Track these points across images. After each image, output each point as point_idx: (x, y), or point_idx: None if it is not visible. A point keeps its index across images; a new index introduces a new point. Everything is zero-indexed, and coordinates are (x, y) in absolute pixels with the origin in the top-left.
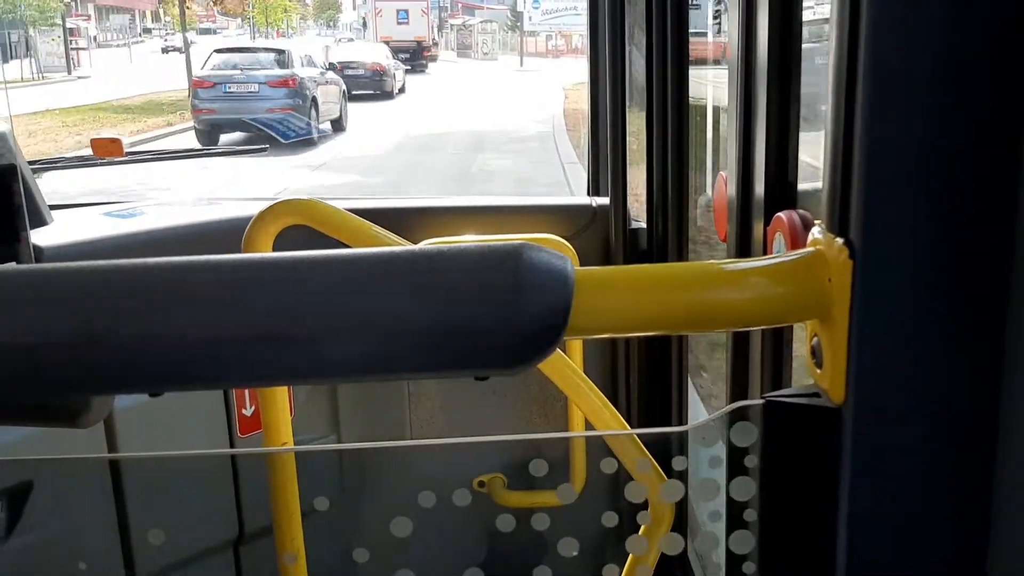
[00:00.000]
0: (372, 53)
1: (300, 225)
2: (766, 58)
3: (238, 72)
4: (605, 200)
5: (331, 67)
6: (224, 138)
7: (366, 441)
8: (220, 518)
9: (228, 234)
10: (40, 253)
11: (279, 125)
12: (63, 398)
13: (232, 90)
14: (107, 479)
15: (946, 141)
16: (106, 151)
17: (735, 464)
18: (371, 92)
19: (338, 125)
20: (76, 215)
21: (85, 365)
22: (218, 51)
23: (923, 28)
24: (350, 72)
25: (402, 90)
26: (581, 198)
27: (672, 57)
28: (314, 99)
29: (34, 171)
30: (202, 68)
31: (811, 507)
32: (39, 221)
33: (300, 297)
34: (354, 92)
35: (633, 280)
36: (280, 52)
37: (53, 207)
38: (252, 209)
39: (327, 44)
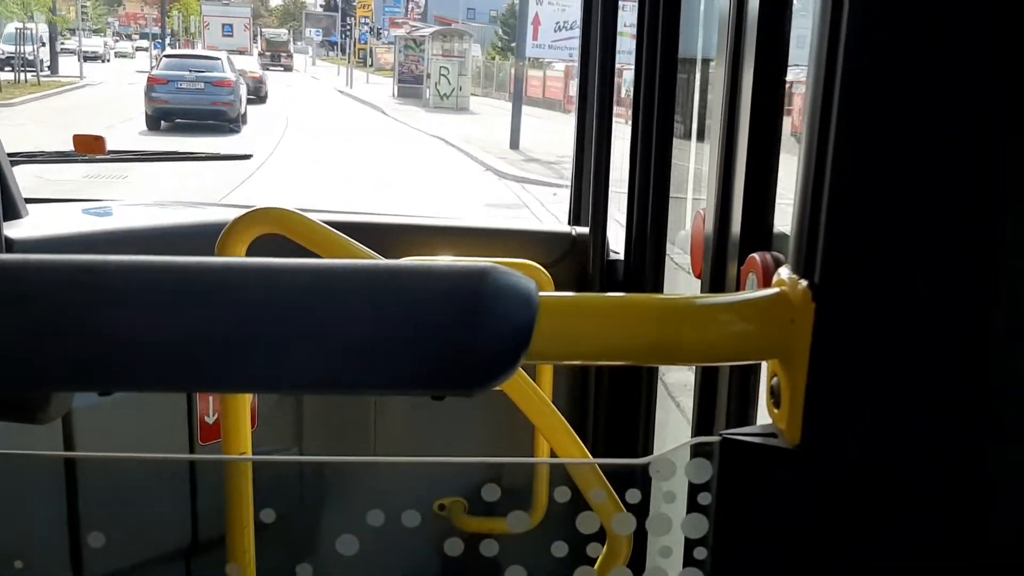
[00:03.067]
0: (251, 63)
1: (275, 234)
2: (750, 100)
3: (188, 73)
4: (585, 229)
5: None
6: (164, 124)
7: (328, 455)
8: (174, 525)
9: (203, 238)
10: (11, 245)
11: (216, 118)
12: (18, 392)
13: (183, 87)
14: (61, 478)
15: (910, 194)
16: (88, 148)
17: (690, 500)
18: (250, 97)
19: (243, 119)
20: (53, 210)
21: (39, 360)
22: (167, 56)
23: (892, 87)
24: None
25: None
26: (561, 226)
27: (660, 93)
28: (241, 97)
29: (12, 163)
30: (155, 68)
31: (763, 546)
32: (14, 214)
33: (260, 304)
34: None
35: (597, 308)
36: (217, 58)
37: (30, 201)
38: (228, 214)
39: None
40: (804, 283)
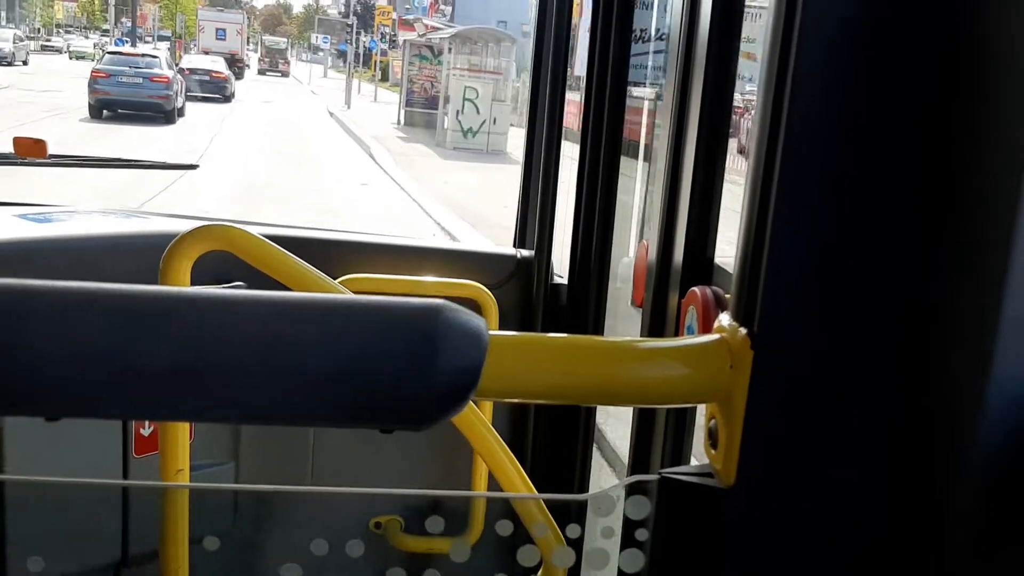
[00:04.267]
0: (215, 63)
1: (221, 251)
2: (695, 139)
3: (128, 68)
4: (530, 252)
5: (179, 71)
6: (106, 112)
7: (266, 470)
8: (103, 540)
9: (145, 250)
10: None
11: (152, 110)
12: None
13: (123, 81)
14: None
15: (850, 248)
16: (29, 151)
17: (627, 536)
18: (216, 96)
19: (180, 112)
20: None
21: None
22: (110, 53)
23: (833, 141)
24: (196, 77)
25: (233, 95)
26: (507, 248)
27: (608, 123)
28: (176, 92)
29: None
30: (99, 63)
31: None
32: None
33: (206, 335)
34: (200, 95)
35: (544, 349)
36: (155, 56)
37: None
38: (173, 226)
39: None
40: (744, 331)
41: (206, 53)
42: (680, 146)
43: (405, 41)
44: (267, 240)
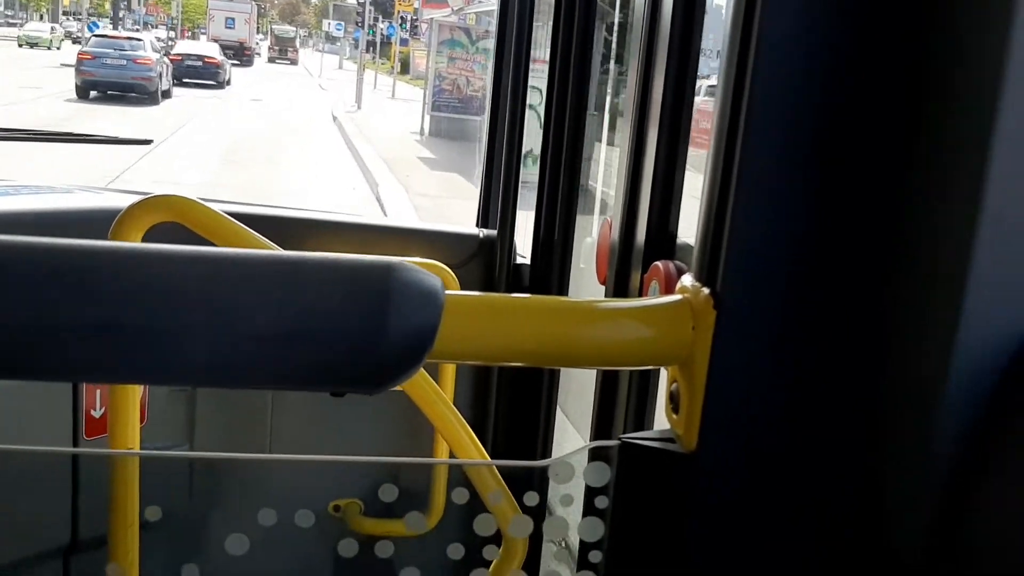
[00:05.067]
0: (208, 48)
1: (172, 223)
2: (659, 115)
3: (113, 51)
4: (493, 232)
5: (166, 54)
6: (92, 94)
7: (219, 446)
8: (53, 522)
9: (96, 224)
10: None
11: (136, 90)
12: None
13: (108, 62)
14: None
15: (812, 205)
16: None
17: (587, 504)
18: (208, 82)
19: (166, 94)
20: None
21: None
22: (96, 36)
23: (797, 102)
24: (189, 63)
25: (228, 82)
26: (469, 228)
27: (571, 102)
28: (160, 74)
29: None
30: (85, 46)
31: (656, 552)
32: None
33: (153, 291)
34: (191, 80)
35: (502, 309)
36: (140, 40)
37: None
38: (124, 200)
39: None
40: (706, 291)
41: (215, 41)
42: (643, 123)
43: (432, 20)
44: (217, 211)
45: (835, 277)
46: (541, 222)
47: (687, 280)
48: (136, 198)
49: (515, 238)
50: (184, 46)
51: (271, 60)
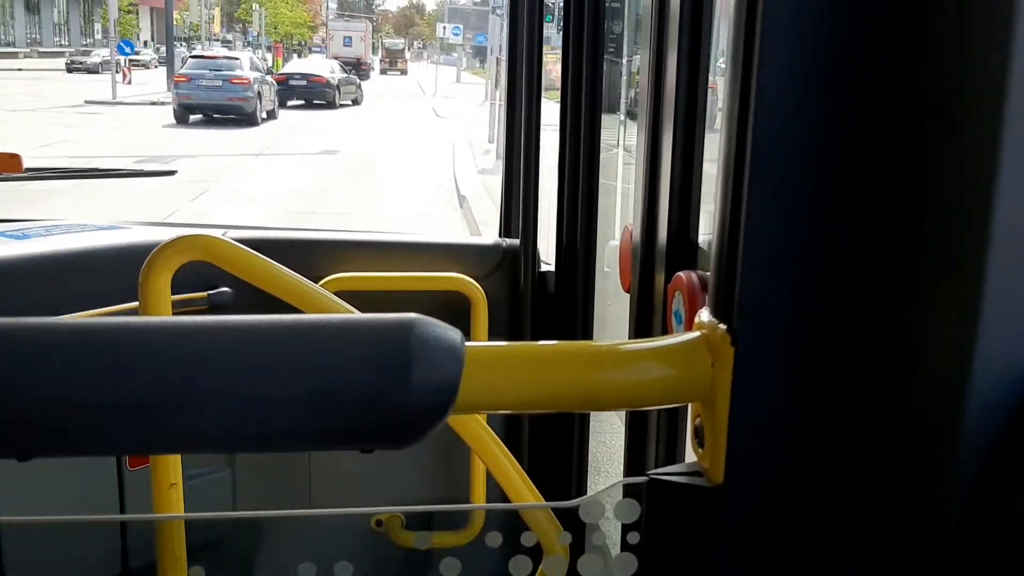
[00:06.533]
0: (315, 66)
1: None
2: (672, 117)
3: (208, 71)
4: (516, 241)
5: (268, 74)
6: (192, 117)
7: (263, 474)
8: (102, 556)
9: (126, 263)
10: None
11: (233, 112)
12: None
13: (204, 84)
14: None
15: (824, 238)
16: (5, 167)
17: (621, 540)
18: (319, 102)
19: (271, 115)
20: None
21: None
22: (192, 57)
23: (804, 128)
24: (293, 83)
25: (356, 101)
26: (492, 239)
27: (586, 104)
28: (259, 93)
29: None
30: (182, 68)
31: None
32: None
33: (181, 366)
34: (304, 102)
35: (522, 358)
36: (236, 59)
37: None
38: (151, 236)
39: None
40: (723, 327)
41: (335, 59)
42: (658, 128)
43: None
44: (244, 248)
45: (849, 306)
46: (563, 228)
47: (704, 316)
48: (166, 234)
49: (538, 246)
50: (291, 65)
51: (383, 72)
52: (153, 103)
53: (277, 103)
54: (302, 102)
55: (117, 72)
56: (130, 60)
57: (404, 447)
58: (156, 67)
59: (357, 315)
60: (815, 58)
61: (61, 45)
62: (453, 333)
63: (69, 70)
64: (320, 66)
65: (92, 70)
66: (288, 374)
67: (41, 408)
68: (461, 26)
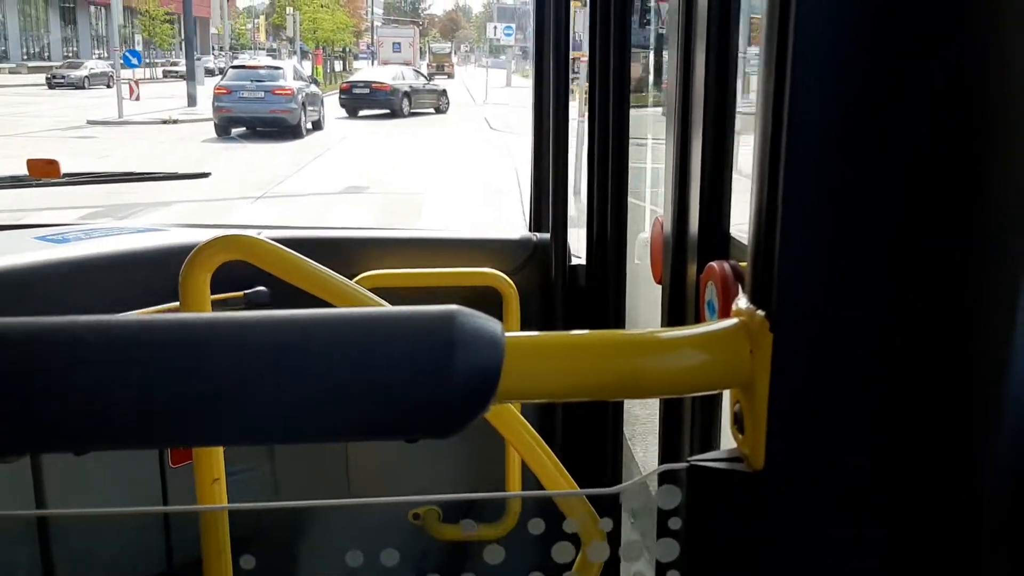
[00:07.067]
0: (378, 73)
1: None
2: (702, 107)
3: (249, 82)
4: (546, 236)
5: (314, 81)
6: (234, 131)
7: (301, 468)
8: (148, 553)
9: (163, 265)
10: None
11: (276, 124)
12: None
13: (245, 95)
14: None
15: (864, 220)
16: (43, 172)
17: (660, 525)
18: (381, 110)
19: (317, 125)
20: (8, 238)
21: (12, 424)
22: (233, 67)
23: (842, 112)
24: (357, 91)
25: (440, 109)
26: (521, 233)
27: (614, 98)
28: (303, 104)
29: None
30: (222, 79)
31: (733, 570)
32: None
33: (233, 359)
34: (370, 112)
35: (562, 347)
36: (279, 68)
37: None
38: (189, 237)
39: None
40: (761, 313)
41: (385, 64)
42: (687, 119)
43: None
44: (281, 247)
45: (887, 291)
46: (593, 222)
47: (742, 303)
48: (203, 235)
49: (568, 239)
50: (358, 73)
51: (431, 76)
52: (164, 121)
53: (324, 113)
54: (376, 112)
55: (108, 85)
56: (167, 71)
57: (448, 436)
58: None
59: (399, 308)
60: (852, 39)
61: (66, 56)
62: (494, 324)
63: (51, 86)
64: (383, 73)
65: (77, 85)
66: (337, 366)
67: (95, 403)
68: (513, 26)
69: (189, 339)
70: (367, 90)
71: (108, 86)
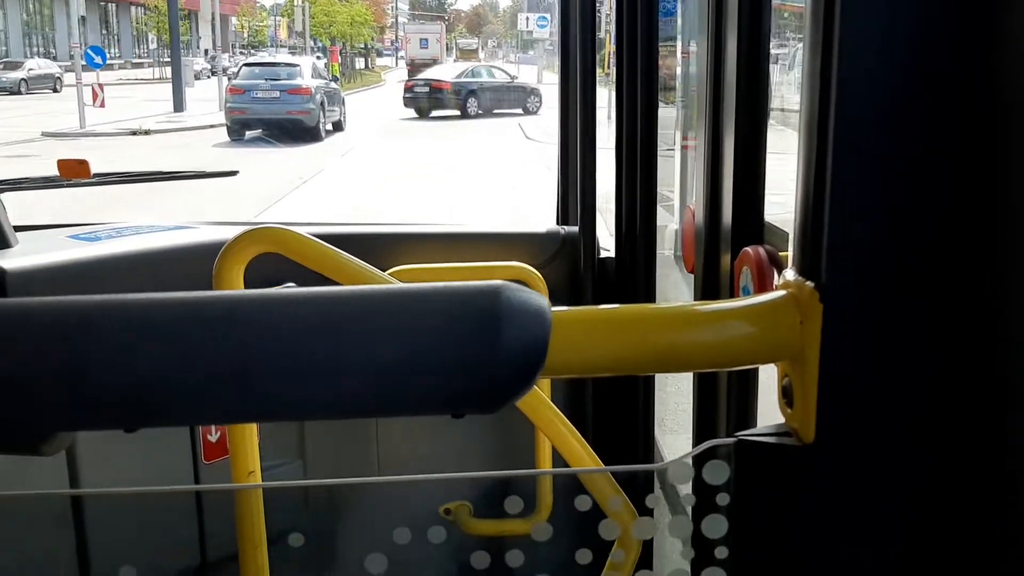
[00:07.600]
0: (438, 72)
1: (269, 255)
2: (734, 94)
3: (263, 81)
4: (574, 229)
5: (334, 79)
6: (248, 134)
7: (332, 464)
8: (182, 546)
9: (197, 261)
10: (3, 276)
11: (292, 127)
12: (29, 434)
13: (259, 95)
14: (67, 507)
15: (912, 189)
16: (73, 172)
17: (706, 502)
18: (453, 113)
19: (338, 126)
20: (41, 237)
21: (53, 402)
22: (246, 65)
23: (891, 82)
24: (417, 90)
25: (529, 110)
26: (550, 227)
27: (642, 89)
28: (322, 104)
29: None
30: (235, 78)
31: (782, 544)
32: (3, 243)
33: (272, 336)
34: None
35: (608, 321)
36: (295, 65)
37: (18, 228)
38: (222, 234)
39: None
40: (810, 284)
41: (412, 61)
42: (719, 106)
43: None
44: (315, 239)
45: (935, 261)
46: (622, 214)
47: (789, 275)
48: (232, 232)
49: (597, 232)
50: (431, 71)
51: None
52: (134, 132)
53: (345, 112)
54: (441, 112)
55: (56, 89)
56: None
57: (494, 411)
58: (208, 78)
59: (445, 283)
60: (901, 10)
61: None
62: (539, 298)
63: None
64: (443, 72)
65: (13, 90)
66: (386, 340)
67: (144, 380)
68: (548, 16)
69: (232, 314)
70: (426, 88)
71: (55, 90)
